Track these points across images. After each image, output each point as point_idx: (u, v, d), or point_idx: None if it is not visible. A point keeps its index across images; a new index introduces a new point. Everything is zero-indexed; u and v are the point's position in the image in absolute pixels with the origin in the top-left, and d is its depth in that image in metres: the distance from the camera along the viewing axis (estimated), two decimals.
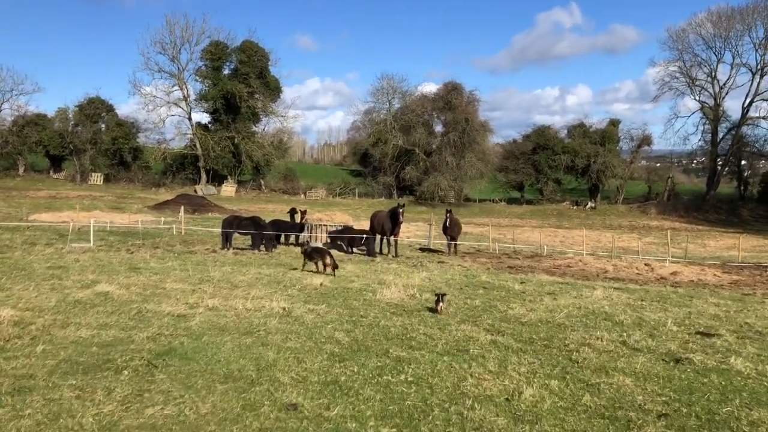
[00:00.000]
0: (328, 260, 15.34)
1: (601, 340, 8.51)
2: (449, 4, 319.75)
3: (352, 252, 23.25)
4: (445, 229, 25.21)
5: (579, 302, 12.63)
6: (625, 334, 9.16)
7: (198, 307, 9.93)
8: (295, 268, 16.27)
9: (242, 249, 22.32)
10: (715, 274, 23.36)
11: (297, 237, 25.12)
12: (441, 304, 10.33)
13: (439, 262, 21.54)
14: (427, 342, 7.94)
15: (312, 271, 15.53)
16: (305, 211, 25.83)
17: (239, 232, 22.86)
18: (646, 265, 24.97)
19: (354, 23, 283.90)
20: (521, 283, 16.16)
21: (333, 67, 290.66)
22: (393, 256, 22.68)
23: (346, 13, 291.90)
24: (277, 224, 25.08)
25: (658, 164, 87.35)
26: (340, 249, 23.27)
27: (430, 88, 76.43)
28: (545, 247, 29.21)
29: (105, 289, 11.41)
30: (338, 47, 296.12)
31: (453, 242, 25.34)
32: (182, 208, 33.80)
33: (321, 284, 13.39)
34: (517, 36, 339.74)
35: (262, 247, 22.01)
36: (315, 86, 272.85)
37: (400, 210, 23.04)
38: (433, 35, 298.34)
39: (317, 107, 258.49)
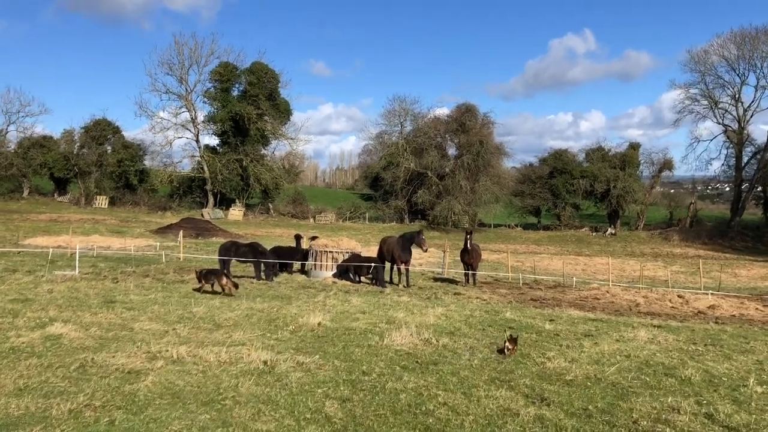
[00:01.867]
0: (223, 281, 15.62)
1: (679, 412, 6.43)
2: (462, 30, 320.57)
3: (360, 281, 21.25)
4: (463, 255, 23.02)
5: (625, 348, 10.60)
6: (704, 401, 7.06)
7: (159, 358, 7.95)
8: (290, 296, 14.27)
9: (240, 277, 20.42)
10: (757, 308, 21.34)
11: (303, 265, 23.18)
12: (508, 345, 9.54)
13: (455, 294, 19.47)
14: (449, 419, 5.88)
15: (208, 292, 15.59)
16: (315, 237, 23.88)
17: (237, 260, 20.98)
18: (679, 297, 22.96)
19: (367, 50, 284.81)
20: (550, 321, 14.13)
21: (346, 93, 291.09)
22: (404, 287, 20.64)
23: (359, 40, 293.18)
24: (278, 251, 23.16)
25: (682, 190, 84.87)
26: (349, 279, 21.29)
27: (443, 111, 74.52)
28: (573, 278, 26.99)
29: (58, 331, 9.48)
30: (352, 74, 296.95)
31: (472, 272, 23.18)
32: (181, 232, 31.98)
33: (319, 324, 11.37)
34: (531, 62, 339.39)
35: (263, 275, 20.12)
36: (328, 111, 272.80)
37: (422, 237, 21.02)
38: (446, 61, 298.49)
39: (330, 132, 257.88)
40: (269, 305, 13.82)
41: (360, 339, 10.15)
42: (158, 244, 32.18)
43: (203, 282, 15.94)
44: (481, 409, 6.24)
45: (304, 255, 23.12)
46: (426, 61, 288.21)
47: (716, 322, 16.77)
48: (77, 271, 20.03)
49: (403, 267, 21.25)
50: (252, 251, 20.65)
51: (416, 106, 76.31)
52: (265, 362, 7.78)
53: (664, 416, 6.27)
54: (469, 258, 22.84)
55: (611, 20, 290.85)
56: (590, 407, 6.55)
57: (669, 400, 6.92)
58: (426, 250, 21.55)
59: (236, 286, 15.96)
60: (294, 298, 15.57)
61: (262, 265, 20.35)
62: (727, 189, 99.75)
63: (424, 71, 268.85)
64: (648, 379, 8.21)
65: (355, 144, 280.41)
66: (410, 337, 10.06)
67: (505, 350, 9.62)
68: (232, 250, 20.84)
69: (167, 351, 8.24)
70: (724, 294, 24.62)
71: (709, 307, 20.84)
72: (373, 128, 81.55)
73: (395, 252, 21.13)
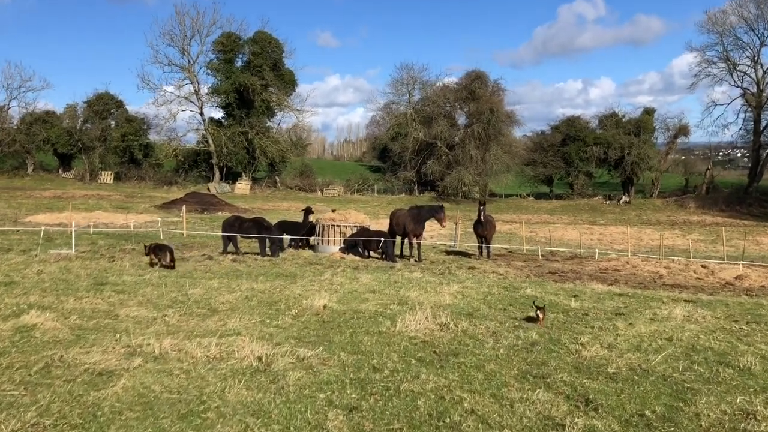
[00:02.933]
0: (168, 258, 15.71)
1: (755, 418, 5.34)
2: None
3: (369, 256, 20.21)
4: (476, 227, 21.88)
5: (663, 329, 9.52)
6: None
7: (139, 354, 6.93)
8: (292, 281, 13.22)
9: (245, 253, 19.46)
10: None
11: (307, 240, 22.17)
12: (540, 315, 9.63)
13: (469, 269, 18.40)
14: None
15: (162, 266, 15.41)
16: (334, 210, 22.80)
17: (241, 236, 19.97)
18: (703, 267, 21.92)
19: (374, 19, 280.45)
20: (575, 297, 13.06)
21: (353, 63, 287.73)
22: (416, 261, 19.60)
23: (366, 9, 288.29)
24: (284, 226, 22.13)
25: (692, 156, 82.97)
26: (357, 253, 20.26)
27: (452, 80, 72.52)
28: (596, 250, 25.80)
29: (32, 321, 8.47)
30: (359, 43, 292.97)
31: (486, 244, 22.08)
32: (183, 207, 30.99)
33: (325, 307, 10.32)
34: (539, 28, 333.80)
35: (268, 251, 19.15)
36: (335, 83, 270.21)
37: (443, 213, 20.24)
38: (454, 30, 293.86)
39: (337, 104, 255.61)
40: (272, 285, 12.79)
41: (369, 324, 9.09)
42: (160, 219, 31.19)
43: (152, 256, 15.90)
44: (516, 419, 5.15)
45: (310, 229, 22.08)
46: (434, 30, 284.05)
47: (748, 295, 15.83)
48: (73, 250, 19.09)
49: (415, 240, 20.21)
50: (256, 226, 19.64)
51: (424, 74, 74.60)
52: (260, 358, 6.73)
53: (741, 425, 5.18)
54: (483, 230, 21.76)
55: None
56: (647, 412, 5.46)
57: (738, 399, 5.82)
58: (444, 226, 20.68)
59: (173, 261, 16.08)
60: (299, 276, 14.54)
61: (267, 240, 19.35)
62: (738, 155, 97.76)
63: (432, 40, 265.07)
64: (702, 369, 7.12)
65: (363, 116, 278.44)
66: (425, 321, 8.98)
67: (536, 316, 9.72)
68: (235, 225, 19.86)
69: (149, 345, 7.21)
70: (749, 263, 23.48)
71: (736, 278, 19.93)
72: (380, 98, 79.90)
73: (408, 225, 20.08)
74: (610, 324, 9.74)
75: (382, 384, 6.04)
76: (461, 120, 71.97)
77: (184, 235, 26.34)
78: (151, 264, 15.77)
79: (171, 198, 50.93)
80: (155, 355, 6.90)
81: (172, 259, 15.83)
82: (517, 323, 9.63)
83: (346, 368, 6.57)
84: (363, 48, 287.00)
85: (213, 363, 6.62)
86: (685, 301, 13.24)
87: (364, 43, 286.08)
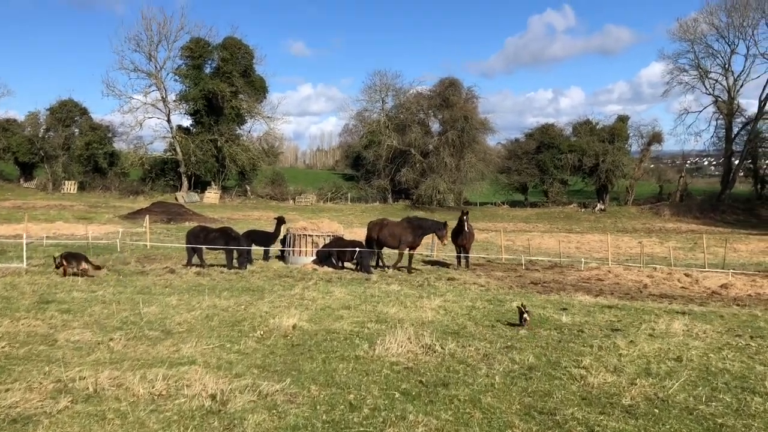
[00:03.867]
0: (83, 266, 15.27)
1: None
2: (441, 8, 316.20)
3: (343, 267, 19.15)
4: (456, 236, 20.94)
5: (667, 347, 8.73)
6: None
7: (68, 392, 5.78)
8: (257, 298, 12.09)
9: (212, 265, 18.27)
10: None
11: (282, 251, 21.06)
12: (526, 317, 9.88)
13: (449, 280, 17.44)
14: None
15: (74, 274, 14.94)
16: (281, 218, 21.65)
17: (207, 247, 18.75)
18: (686, 275, 21.43)
19: (346, 29, 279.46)
20: (563, 309, 12.25)
21: (326, 72, 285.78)
22: (392, 269, 18.72)
23: (338, 18, 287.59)
24: (253, 236, 20.97)
25: (662, 165, 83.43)
26: (331, 264, 19.19)
27: (425, 87, 71.75)
28: (581, 259, 25.08)
29: None
30: (331, 53, 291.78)
31: (465, 254, 21.18)
32: (147, 217, 29.54)
33: (294, 326, 9.23)
34: (510, 39, 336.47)
35: (236, 263, 17.99)
36: (308, 92, 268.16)
37: (445, 231, 19.69)
38: (426, 40, 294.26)
39: (310, 113, 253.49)
40: (236, 302, 11.66)
41: (345, 347, 8.04)
42: (121, 230, 29.70)
43: (65, 265, 15.28)
44: None
45: (277, 239, 21.04)
46: (406, 40, 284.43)
47: (738, 305, 15.31)
48: (25, 264, 17.67)
49: (407, 252, 19.49)
50: (223, 237, 18.43)
51: (398, 81, 73.60)
52: (213, 396, 5.63)
53: None
54: (463, 240, 20.85)
55: None
56: None
57: None
58: (445, 244, 19.99)
59: (98, 268, 15.84)
60: (267, 291, 13.43)
61: (235, 252, 18.18)
62: (705, 163, 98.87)
63: (405, 50, 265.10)
64: (727, 398, 6.22)
65: (336, 124, 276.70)
66: (408, 343, 7.97)
67: (524, 322, 9.86)
68: (201, 236, 18.59)
69: (84, 379, 6.06)
70: (731, 271, 22.98)
71: (721, 286, 19.53)
72: (353, 106, 78.55)
73: (407, 236, 19.20)
74: (609, 342, 8.86)
75: (361, 428, 4.99)
76: (435, 127, 71.26)
77: (148, 247, 24.94)
78: (65, 274, 15.15)
79: (137, 208, 49.19)
80: (89, 392, 5.76)
81: (90, 267, 15.41)
82: (509, 342, 8.68)
83: (318, 407, 5.51)
84: (336, 57, 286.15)
85: (157, 403, 5.50)
86: (678, 313, 12.57)
87: (337, 53, 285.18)
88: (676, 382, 6.67)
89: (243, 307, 11.08)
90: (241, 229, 26.55)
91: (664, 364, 7.64)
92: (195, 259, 18.40)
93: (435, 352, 7.81)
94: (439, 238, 19.65)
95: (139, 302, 11.27)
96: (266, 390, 5.87)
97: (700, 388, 6.55)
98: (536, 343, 8.74)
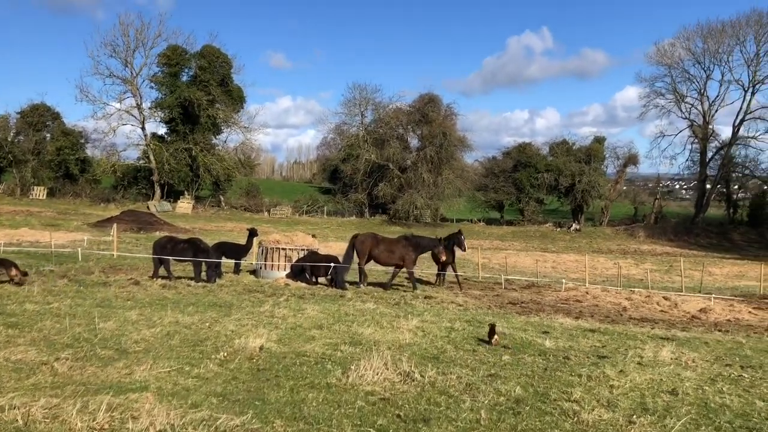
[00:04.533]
0: (13, 271, 14.59)
1: None
2: (422, 26, 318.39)
3: (317, 283, 18.47)
4: (436, 258, 20.39)
5: (658, 377, 8.24)
6: None
7: None
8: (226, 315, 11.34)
9: (179, 278, 17.48)
10: (750, 312, 19.89)
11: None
12: (496, 338, 9.91)
13: (426, 298, 16.86)
14: None
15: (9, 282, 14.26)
16: (254, 230, 20.90)
17: (174, 259, 17.93)
18: (665, 299, 21.34)
19: (327, 43, 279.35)
20: (544, 333, 11.71)
21: (305, 85, 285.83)
22: (412, 290, 18.31)
23: (319, 32, 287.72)
24: (223, 248, 20.20)
25: (634, 187, 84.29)
26: (305, 279, 18.50)
27: (405, 103, 71.47)
28: (562, 280, 24.72)
29: None
30: (311, 66, 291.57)
31: (443, 272, 20.71)
32: (114, 226, 28.53)
33: (261, 348, 8.54)
34: (489, 59, 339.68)
35: (204, 276, 17.23)
36: (286, 104, 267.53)
37: (463, 236, 20.15)
38: (406, 57, 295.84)
39: (288, 125, 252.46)
40: (201, 318, 10.90)
41: (315, 373, 7.36)
42: (86, 238, 28.68)
43: None
44: None
45: (246, 251, 20.39)
46: (386, 56, 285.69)
47: (720, 330, 15.08)
48: None
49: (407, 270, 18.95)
50: (191, 248, 17.63)
51: (377, 95, 73.34)
52: None
53: None
54: (450, 258, 20.31)
55: (569, 18, 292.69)
56: None
57: None
58: (443, 261, 19.57)
59: (25, 274, 15.14)
60: (235, 307, 12.67)
61: (203, 264, 17.40)
62: (677, 187, 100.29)
63: (384, 66, 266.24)
64: None
65: (314, 137, 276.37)
66: (385, 370, 7.32)
67: (493, 342, 9.84)
68: (168, 247, 17.78)
69: (15, 409, 5.30)
70: (708, 295, 22.81)
71: (700, 311, 19.53)
72: (332, 119, 78.02)
73: (408, 255, 18.58)
74: (598, 371, 8.30)
75: None
76: (414, 143, 71.05)
77: (114, 256, 23.98)
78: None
79: (107, 216, 47.92)
80: (17, 425, 5.01)
81: (18, 274, 14.69)
82: (492, 370, 8.08)
83: None
84: (316, 71, 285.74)
85: None
86: (663, 339, 12.14)
87: (317, 66, 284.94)
88: (677, 420, 6.11)
89: (207, 324, 10.34)
90: (212, 240, 25.75)
91: (659, 398, 7.11)
92: (162, 271, 17.60)
93: (414, 380, 7.17)
94: (437, 255, 19.25)
95: (96, 316, 10.46)
96: (224, 425, 5.17)
97: (703, 429, 6.01)
98: (521, 371, 8.16)
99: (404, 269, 19.04)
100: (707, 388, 7.81)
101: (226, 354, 8.09)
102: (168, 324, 10.17)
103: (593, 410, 6.33)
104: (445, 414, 5.98)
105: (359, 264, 18.76)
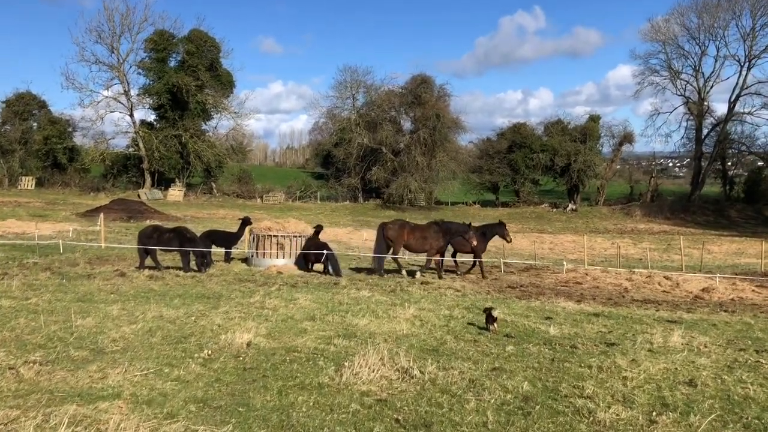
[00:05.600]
0: None
1: None
2: (414, 7, 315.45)
3: (311, 269, 17.93)
4: (459, 245, 19.88)
5: (672, 365, 7.80)
6: None
7: None
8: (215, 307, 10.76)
9: (168, 268, 16.93)
10: (753, 290, 19.48)
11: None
12: (495, 324, 9.51)
13: (423, 284, 16.34)
14: None
15: None
16: (319, 226, 20.17)
17: (161, 249, 17.35)
18: (666, 278, 20.78)
19: (318, 27, 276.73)
20: (547, 318, 11.21)
21: (297, 70, 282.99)
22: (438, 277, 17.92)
23: (310, 16, 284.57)
24: (213, 236, 19.63)
25: (634, 163, 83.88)
26: (302, 267, 18.01)
27: (397, 85, 70.47)
28: (562, 262, 24.26)
29: None
30: (303, 51, 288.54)
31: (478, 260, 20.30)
32: (101, 216, 27.84)
33: (249, 344, 7.97)
34: (481, 39, 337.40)
35: (193, 265, 16.68)
36: (278, 90, 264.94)
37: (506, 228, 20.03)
38: (398, 39, 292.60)
39: (280, 111, 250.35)
40: (186, 311, 10.32)
41: (307, 372, 6.80)
42: (72, 229, 28.01)
43: None
44: None
45: (236, 239, 19.87)
46: (378, 39, 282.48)
47: (726, 311, 14.48)
48: None
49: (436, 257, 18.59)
50: (178, 237, 17.04)
51: (369, 78, 72.23)
52: None
53: None
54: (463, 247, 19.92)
55: None
56: None
57: None
58: (474, 245, 18.89)
59: None
60: (224, 298, 12.10)
61: (191, 253, 16.83)
62: (670, 164, 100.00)
63: (376, 50, 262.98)
64: None
65: (306, 122, 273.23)
66: (381, 367, 6.76)
67: (490, 329, 9.50)
68: (154, 236, 17.18)
69: None
70: (709, 274, 22.40)
71: (703, 290, 19.04)
72: (323, 103, 76.88)
73: (437, 242, 18.21)
74: (609, 361, 7.78)
75: None
76: (407, 125, 70.13)
77: (102, 247, 23.32)
78: None
79: (96, 205, 47.13)
80: None
81: None
82: (496, 363, 7.54)
83: None
84: (307, 55, 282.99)
85: None
86: (669, 321, 11.68)
87: (308, 51, 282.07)
88: (702, 417, 5.58)
89: (193, 318, 9.76)
90: (204, 228, 25.12)
91: (677, 391, 6.58)
92: (149, 261, 17.02)
93: (413, 377, 6.62)
94: (467, 240, 18.63)
95: (75, 312, 9.87)
96: None
97: (731, 426, 5.48)
98: (527, 363, 7.63)
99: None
100: (726, 377, 7.31)
101: (210, 352, 7.52)
102: (151, 319, 9.60)
103: (609, 408, 5.80)
104: (448, 417, 5.44)
105: (393, 253, 18.25)
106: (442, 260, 18.95)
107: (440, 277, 17.96)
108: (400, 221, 18.86)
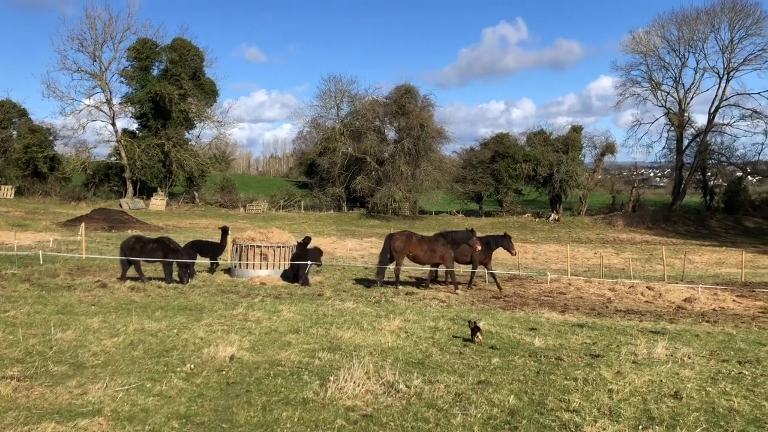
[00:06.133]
0: None
1: None
2: (398, 18, 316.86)
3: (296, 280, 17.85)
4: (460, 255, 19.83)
5: (657, 377, 7.84)
6: None
7: None
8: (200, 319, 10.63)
9: (151, 279, 16.74)
10: (734, 300, 19.62)
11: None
12: (479, 335, 9.50)
13: (407, 294, 16.31)
14: None
15: None
16: (308, 238, 20.00)
17: (144, 260, 17.13)
18: (649, 288, 20.87)
19: (302, 36, 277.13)
20: (532, 329, 11.21)
21: (281, 79, 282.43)
22: (455, 288, 18.12)
23: (294, 25, 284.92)
24: (198, 246, 19.49)
25: (616, 173, 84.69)
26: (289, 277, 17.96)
27: (381, 95, 70.70)
28: (546, 273, 24.33)
29: None
30: (287, 60, 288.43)
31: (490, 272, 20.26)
32: (83, 225, 27.52)
33: (232, 358, 7.88)
34: (464, 50, 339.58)
35: (176, 276, 16.53)
36: (262, 98, 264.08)
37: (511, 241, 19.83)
38: (382, 49, 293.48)
39: (264, 120, 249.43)
40: (169, 324, 10.19)
41: (291, 386, 6.72)
42: (53, 239, 27.65)
43: None
44: None
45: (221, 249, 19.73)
46: (361, 49, 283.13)
47: (708, 321, 14.58)
48: None
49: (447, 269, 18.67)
50: (161, 248, 16.85)
51: (353, 87, 72.42)
52: None
53: None
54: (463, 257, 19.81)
55: (543, 9, 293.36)
56: None
57: None
58: (514, 254, 18.92)
59: None
60: (207, 310, 11.98)
61: (174, 264, 16.66)
62: (651, 175, 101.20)
63: (360, 59, 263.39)
64: None
65: (290, 131, 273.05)
66: (366, 381, 6.70)
67: (475, 341, 9.47)
68: (137, 247, 16.97)
69: None
70: (690, 284, 22.58)
71: (685, 300, 19.18)
72: (308, 112, 76.90)
73: (447, 253, 18.13)
74: (594, 373, 7.80)
75: None
76: (391, 135, 70.30)
77: (83, 257, 23.02)
78: None
79: (77, 215, 46.61)
80: None
81: None
82: (482, 376, 7.51)
83: None
84: (291, 64, 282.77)
85: None
86: (652, 332, 11.75)
87: (292, 60, 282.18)
88: (688, 431, 5.59)
89: (175, 331, 9.64)
90: (187, 238, 24.92)
91: (663, 404, 6.59)
92: (131, 272, 16.83)
93: (398, 391, 6.56)
94: (471, 246, 18.50)
95: (54, 324, 9.71)
96: None
97: None
98: (513, 376, 7.61)
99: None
100: (710, 389, 7.34)
101: (193, 366, 7.42)
102: (132, 332, 9.46)
103: (596, 422, 5.79)
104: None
105: (396, 264, 18.14)
106: (453, 271, 18.98)
107: (456, 290, 17.95)
108: (407, 233, 18.78)
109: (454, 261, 18.60)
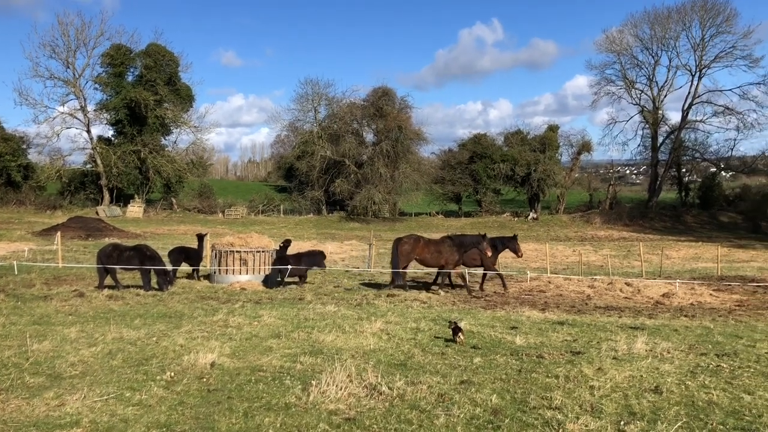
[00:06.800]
0: None
1: None
2: (374, 19, 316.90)
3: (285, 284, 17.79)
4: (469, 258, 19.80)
5: (637, 373, 7.94)
6: None
7: None
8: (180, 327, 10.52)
9: (129, 287, 16.55)
10: (711, 294, 19.88)
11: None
12: (461, 335, 9.53)
13: (388, 296, 16.28)
14: None
15: None
16: (288, 241, 19.81)
17: (121, 267, 16.94)
18: (627, 285, 21.06)
19: (278, 39, 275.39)
20: (513, 328, 11.27)
21: (258, 83, 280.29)
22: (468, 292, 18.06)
23: (270, 29, 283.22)
24: (185, 252, 19.41)
25: (593, 171, 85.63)
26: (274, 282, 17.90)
27: (359, 98, 70.71)
28: (526, 272, 24.42)
29: None
30: (263, 64, 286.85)
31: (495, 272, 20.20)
32: (58, 234, 27.09)
33: (213, 365, 7.80)
34: (440, 51, 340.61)
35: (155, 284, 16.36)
36: (239, 103, 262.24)
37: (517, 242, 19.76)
38: (359, 52, 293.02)
39: (241, 124, 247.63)
40: (148, 332, 10.07)
41: (273, 392, 6.67)
42: (27, 248, 27.22)
43: None
44: None
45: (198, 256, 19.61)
46: (338, 51, 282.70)
47: (686, 316, 14.74)
48: None
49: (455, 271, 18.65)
50: (138, 255, 16.67)
51: (330, 90, 72.32)
52: None
53: None
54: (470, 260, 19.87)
55: (519, 10, 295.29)
56: None
57: None
58: (489, 256, 18.69)
59: None
60: (186, 317, 11.85)
61: (152, 271, 16.50)
62: (627, 172, 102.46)
63: (337, 62, 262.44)
64: None
65: (268, 135, 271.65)
66: (349, 384, 6.68)
67: (457, 341, 9.50)
68: (113, 255, 16.75)
69: None
70: (668, 279, 22.84)
71: (663, 295, 19.37)
72: (285, 116, 76.65)
73: (453, 257, 18.02)
74: (575, 371, 7.85)
75: None
76: (369, 138, 70.31)
77: (60, 266, 22.69)
78: None
79: (53, 223, 45.94)
80: None
81: None
82: (464, 376, 7.52)
83: None
84: (267, 68, 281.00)
85: None
86: (632, 328, 11.85)
87: (269, 64, 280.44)
88: (669, 425, 5.65)
89: (155, 339, 9.53)
90: (165, 244, 24.69)
91: (644, 399, 6.65)
92: (109, 281, 16.62)
93: (381, 393, 6.55)
94: (481, 251, 18.41)
95: (31, 335, 9.53)
96: None
97: None
98: (495, 375, 7.63)
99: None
100: (690, 382, 7.44)
101: (173, 374, 7.33)
102: (111, 341, 9.34)
103: (578, 419, 5.82)
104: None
105: (401, 267, 18.07)
106: (465, 274, 19.06)
107: (469, 292, 17.95)
108: (415, 236, 18.74)
109: (462, 265, 18.55)
